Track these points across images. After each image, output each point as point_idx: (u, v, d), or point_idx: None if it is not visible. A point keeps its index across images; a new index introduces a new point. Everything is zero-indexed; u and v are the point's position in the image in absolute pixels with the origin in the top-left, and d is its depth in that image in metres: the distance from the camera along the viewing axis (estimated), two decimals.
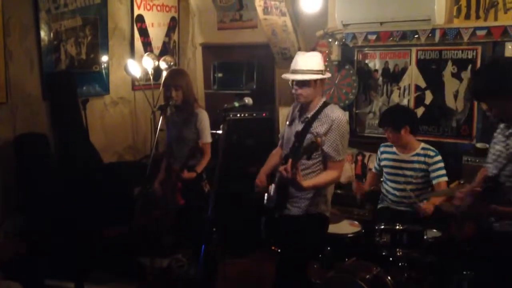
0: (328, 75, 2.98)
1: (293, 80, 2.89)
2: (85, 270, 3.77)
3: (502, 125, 2.50)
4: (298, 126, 2.94)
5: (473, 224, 2.92)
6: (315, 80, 2.86)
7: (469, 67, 3.93)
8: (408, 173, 3.59)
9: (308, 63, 2.85)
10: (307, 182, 2.78)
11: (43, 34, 4.19)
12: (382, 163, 3.75)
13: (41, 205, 3.88)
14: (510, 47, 3.72)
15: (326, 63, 4.52)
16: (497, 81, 2.28)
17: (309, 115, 2.91)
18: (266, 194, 3.02)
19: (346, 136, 2.89)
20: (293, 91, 2.92)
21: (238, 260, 4.27)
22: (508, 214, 2.33)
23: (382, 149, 3.81)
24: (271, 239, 3.20)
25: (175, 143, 3.71)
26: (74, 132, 4.36)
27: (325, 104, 2.91)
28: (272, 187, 2.97)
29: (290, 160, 2.64)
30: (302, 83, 2.85)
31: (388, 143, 3.76)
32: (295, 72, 2.87)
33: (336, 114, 2.85)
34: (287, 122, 3.09)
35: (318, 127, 2.85)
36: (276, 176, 3.00)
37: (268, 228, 3.08)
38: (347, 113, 4.47)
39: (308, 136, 2.84)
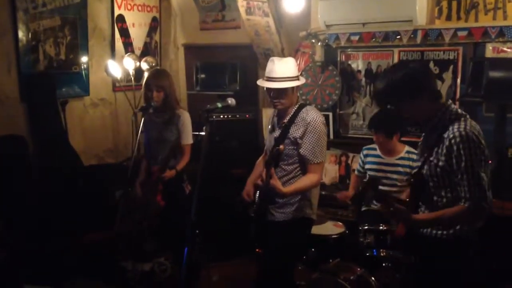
0: (302, 80, 2.95)
1: (269, 88, 2.85)
2: (65, 275, 3.69)
3: None
4: (277, 132, 2.94)
5: (403, 225, 2.95)
6: (292, 87, 2.84)
7: (451, 68, 3.97)
8: (394, 176, 3.60)
9: (285, 71, 2.81)
10: (287, 188, 2.78)
11: (21, 34, 4.10)
12: (367, 166, 3.74)
13: (19, 209, 3.79)
14: (490, 47, 3.77)
15: (310, 64, 4.53)
16: (395, 86, 2.20)
17: (286, 120, 2.90)
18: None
19: (322, 137, 2.85)
20: (270, 99, 2.89)
21: (221, 264, 4.23)
22: (432, 220, 2.26)
23: (365, 152, 3.80)
24: (258, 244, 3.18)
25: (155, 144, 3.66)
26: (53, 135, 4.28)
27: (301, 107, 2.89)
28: (257, 195, 2.99)
29: (264, 170, 2.67)
30: (280, 91, 2.82)
31: (371, 146, 3.76)
32: (272, 80, 2.82)
33: (311, 117, 2.82)
34: (269, 127, 3.09)
35: (295, 132, 2.84)
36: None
37: (256, 234, 3.06)
38: (330, 114, 4.50)
39: (286, 141, 2.83)
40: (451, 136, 2.14)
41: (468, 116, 2.23)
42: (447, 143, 2.15)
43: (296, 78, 2.86)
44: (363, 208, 3.84)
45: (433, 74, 2.33)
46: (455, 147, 2.12)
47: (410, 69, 2.22)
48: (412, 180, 2.36)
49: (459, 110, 2.26)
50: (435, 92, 2.29)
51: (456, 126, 2.16)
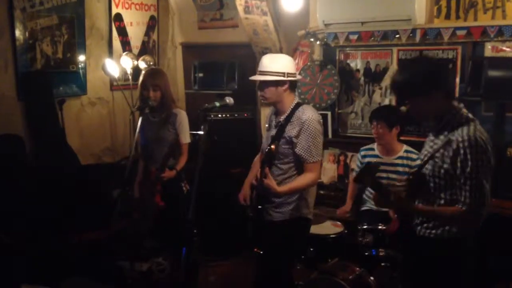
0: (298, 77, 2.91)
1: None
2: (63, 275, 3.67)
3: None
4: (273, 131, 2.93)
5: (397, 220, 2.98)
6: (277, 82, 2.80)
7: (450, 67, 3.95)
8: (392, 176, 3.58)
9: (270, 65, 2.80)
10: (282, 188, 2.77)
11: (18, 33, 4.08)
12: None
13: (17, 208, 3.77)
14: (489, 46, 3.76)
15: (309, 63, 4.51)
16: (415, 79, 2.17)
17: (282, 119, 2.88)
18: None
19: (318, 136, 2.83)
20: (258, 92, 2.92)
21: (219, 263, 4.22)
22: (429, 213, 2.26)
23: (363, 153, 3.78)
24: (256, 244, 3.17)
25: (152, 144, 3.64)
26: (51, 134, 4.26)
27: (297, 106, 2.88)
28: (254, 194, 2.97)
29: (259, 169, 2.67)
30: (261, 84, 2.83)
31: (368, 147, 3.75)
32: (258, 72, 2.85)
33: (307, 116, 2.80)
34: (266, 126, 3.08)
35: (290, 131, 2.82)
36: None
37: (254, 234, 3.05)
38: (329, 113, 4.48)
39: (282, 140, 2.82)
40: (460, 139, 2.11)
41: (477, 122, 2.20)
42: (454, 146, 2.12)
43: (281, 74, 2.79)
44: (362, 208, 3.83)
45: (450, 72, 2.30)
46: (462, 151, 2.10)
47: (431, 64, 2.20)
48: (410, 177, 2.34)
49: (470, 115, 2.22)
50: (450, 91, 2.27)
51: (465, 130, 2.13)
